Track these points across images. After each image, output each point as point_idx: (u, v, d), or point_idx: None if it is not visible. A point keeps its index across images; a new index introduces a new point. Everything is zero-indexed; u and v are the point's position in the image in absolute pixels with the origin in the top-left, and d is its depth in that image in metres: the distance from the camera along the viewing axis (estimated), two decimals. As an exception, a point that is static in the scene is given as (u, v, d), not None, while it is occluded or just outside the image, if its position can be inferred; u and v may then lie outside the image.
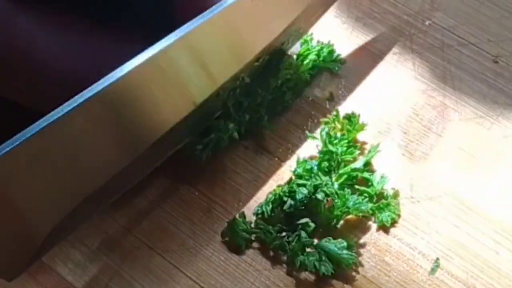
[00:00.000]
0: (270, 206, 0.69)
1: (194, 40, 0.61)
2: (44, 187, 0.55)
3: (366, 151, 0.74)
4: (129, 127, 0.61)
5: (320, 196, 0.68)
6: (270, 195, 0.70)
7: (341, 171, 0.71)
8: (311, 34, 0.80)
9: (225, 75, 0.68)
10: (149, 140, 0.64)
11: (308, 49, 0.79)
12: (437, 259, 0.68)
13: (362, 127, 0.74)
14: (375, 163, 0.73)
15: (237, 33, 0.67)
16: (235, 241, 0.69)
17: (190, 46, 0.62)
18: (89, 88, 0.54)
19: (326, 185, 0.69)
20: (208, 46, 0.64)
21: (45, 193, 0.56)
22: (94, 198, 0.61)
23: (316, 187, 0.68)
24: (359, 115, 0.74)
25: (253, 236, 0.69)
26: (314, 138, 0.74)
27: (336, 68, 0.79)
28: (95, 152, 0.59)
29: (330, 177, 0.71)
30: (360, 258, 0.68)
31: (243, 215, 0.70)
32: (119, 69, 0.56)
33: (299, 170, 0.71)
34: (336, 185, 0.70)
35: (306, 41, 0.79)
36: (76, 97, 0.54)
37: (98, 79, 0.57)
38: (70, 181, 0.58)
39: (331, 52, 0.79)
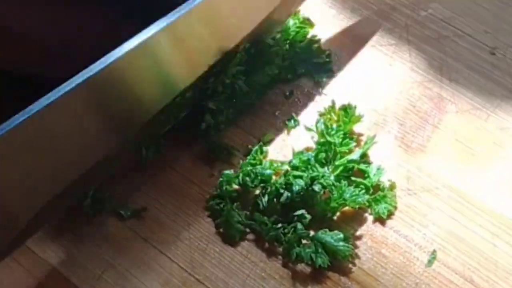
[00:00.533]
0: (266, 197, 0.69)
1: (178, 29, 0.62)
2: (29, 172, 0.56)
3: (362, 143, 0.73)
4: (115, 114, 0.62)
5: (317, 188, 0.67)
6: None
7: (337, 163, 0.70)
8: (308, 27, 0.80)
9: (207, 63, 0.69)
10: (133, 128, 0.65)
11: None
12: (434, 251, 0.68)
13: (359, 118, 0.73)
14: (372, 155, 0.72)
15: (218, 22, 0.68)
16: (230, 232, 0.69)
17: (173, 34, 0.62)
18: (76, 76, 0.55)
19: (323, 176, 0.68)
20: (190, 35, 0.65)
21: (29, 179, 0.56)
22: (76, 185, 0.62)
23: (313, 179, 0.68)
24: (355, 107, 0.73)
25: (248, 228, 0.69)
26: (310, 130, 0.73)
27: (324, 79, 0.78)
28: (79, 139, 0.60)
29: (327, 169, 0.70)
30: (356, 250, 0.68)
31: (238, 207, 0.69)
32: (105, 57, 0.57)
33: (295, 162, 0.71)
34: (332, 177, 0.69)
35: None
36: (62, 85, 0.55)
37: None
38: (54, 167, 0.58)
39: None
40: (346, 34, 0.81)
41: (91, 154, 0.62)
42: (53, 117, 0.55)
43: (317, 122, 0.73)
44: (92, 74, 0.56)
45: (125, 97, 0.62)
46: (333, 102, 0.74)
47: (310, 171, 0.69)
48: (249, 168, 0.70)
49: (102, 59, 0.57)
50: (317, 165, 0.70)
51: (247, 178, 0.69)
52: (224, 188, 0.70)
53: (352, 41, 0.80)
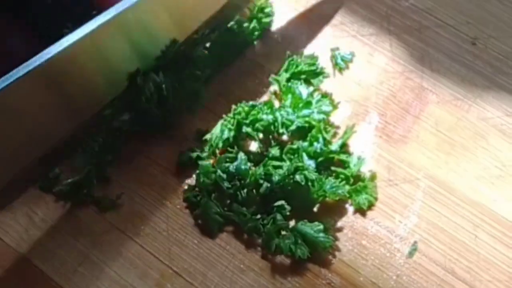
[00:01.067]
0: (245, 189, 0.68)
1: (134, 15, 0.64)
2: None
3: (342, 133, 0.72)
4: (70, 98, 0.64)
5: (299, 178, 0.66)
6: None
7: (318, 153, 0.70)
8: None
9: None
10: (90, 111, 0.67)
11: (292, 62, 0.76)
12: (415, 242, 0.67)
13: (335, 106, 0.72)
14: (352, 145, 0.72)
15: (179, 6, 0.69)
16: (208, 224, 0.68)
17: (130, 20, 0.64)
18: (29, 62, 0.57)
19: (306, 169, 0.67)
20: (149, 21, 0.66)
21: None
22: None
23: (296, 169, 0.67)
24: (331, 94, 0.73)
25: (226, 219, 0.68)
26: None
27: (317, 82, 0.76)
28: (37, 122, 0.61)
29: (313, 163, 0.69)
30: (336, 242, 0.67)
31: (216, 197, 0.68)
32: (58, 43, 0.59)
33: (273, 152, 0.70)
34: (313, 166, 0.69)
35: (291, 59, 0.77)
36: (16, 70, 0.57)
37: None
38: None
39: (313, 64, 0.77)
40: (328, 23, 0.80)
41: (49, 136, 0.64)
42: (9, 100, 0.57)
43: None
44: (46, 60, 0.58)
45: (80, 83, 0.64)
46: (313, 91, 0.74)
47: (296, 160, 0.68)
48: (225, 165, 0.69)
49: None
50: (304, 155, 0.69)
51: (224, 175, 0.68)
52: (201, 180, 0.69)
53: (332, 31, 0.80)
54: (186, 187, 0.70)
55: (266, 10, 0.79)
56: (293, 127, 0.70)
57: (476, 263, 0.66)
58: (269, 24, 0.80)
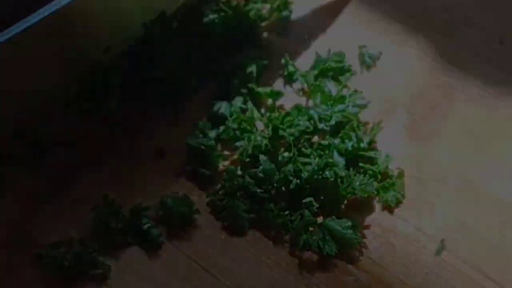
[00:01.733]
0: (274, 185, 0.68)
1: None
2: None
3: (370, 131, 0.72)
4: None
5: (328, 174, 0.66)
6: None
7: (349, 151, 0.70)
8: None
9: None
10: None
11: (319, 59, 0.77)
12: (443, 240, 0.67)
13: (365, 104, 0.72)
14: (380, 143, 0.71)
15: None
16: (237, 221, 0.68)
17: None
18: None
19: (336, 165, 0.67)
20: None
21: None
22: None
23: (326, 164, 0.67)
24: (361, 92, 0.73)
25: (254, 215, 0.68)
26: None
27: (345, 79, 0.76)
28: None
29: (343, 160, 0.69)
30: (364, 239, 0.67)
31: (242, 196, 0.68)
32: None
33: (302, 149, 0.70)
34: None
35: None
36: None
37: None
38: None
39: (341, 61, 0.77)
40: (355, 21, 0.81)
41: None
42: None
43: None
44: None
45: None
46: (341, 90, 0.74)
47: (326, 157, 0.68)
48: (252, 170, 0.69)
49: None
50: (335, 152, 0.69)
51: (252, 181, 0.68)
52: (227, 184, 0.69)
53: (360, 28, 0.80)
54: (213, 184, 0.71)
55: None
56: (332, 122, 0.71)
57: (504, 262, 0.66)
58: (288, 18, 0.80)
